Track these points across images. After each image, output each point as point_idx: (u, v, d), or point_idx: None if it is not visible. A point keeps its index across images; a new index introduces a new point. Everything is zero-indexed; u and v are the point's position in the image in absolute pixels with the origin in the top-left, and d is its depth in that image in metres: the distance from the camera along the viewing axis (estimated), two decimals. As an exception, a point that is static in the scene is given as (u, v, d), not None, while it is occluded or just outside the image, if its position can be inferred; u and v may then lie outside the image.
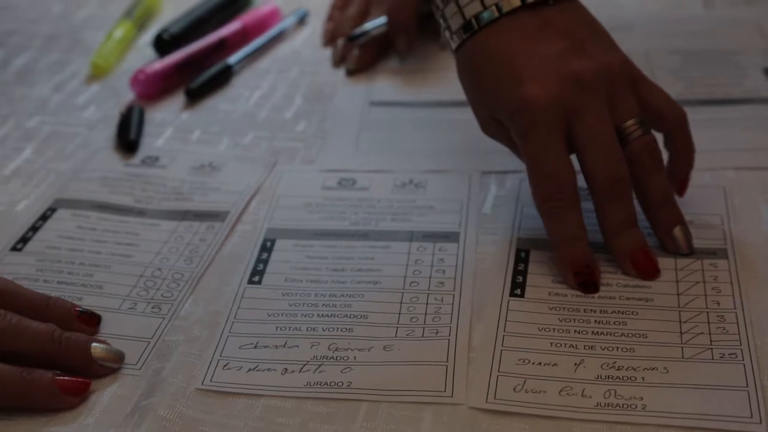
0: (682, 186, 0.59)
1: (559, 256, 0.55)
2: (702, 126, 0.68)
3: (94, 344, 0.50)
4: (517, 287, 0.54)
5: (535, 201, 0.55)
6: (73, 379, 0.48)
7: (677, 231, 0.56)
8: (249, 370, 0.50)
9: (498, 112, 0.56)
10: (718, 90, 0.72)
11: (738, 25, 0.80)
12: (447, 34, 0.58)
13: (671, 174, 0.58)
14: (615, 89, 0.55)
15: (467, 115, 0.71)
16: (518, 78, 0.54)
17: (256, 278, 0.56)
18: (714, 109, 0.70)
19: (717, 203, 0.60)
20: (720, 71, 0.74)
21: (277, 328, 0.52)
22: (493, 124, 0.58)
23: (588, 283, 0.53)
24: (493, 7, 0.56)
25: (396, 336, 0.52)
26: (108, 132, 0.70)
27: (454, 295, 0.54)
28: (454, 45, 0.58)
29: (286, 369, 0.50)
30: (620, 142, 0.55)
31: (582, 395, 0.47)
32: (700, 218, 0.59)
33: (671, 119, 0.57)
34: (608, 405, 0.46)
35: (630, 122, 0.55)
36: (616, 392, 0.47)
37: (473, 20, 0.56)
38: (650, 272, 0.54)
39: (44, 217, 0.61)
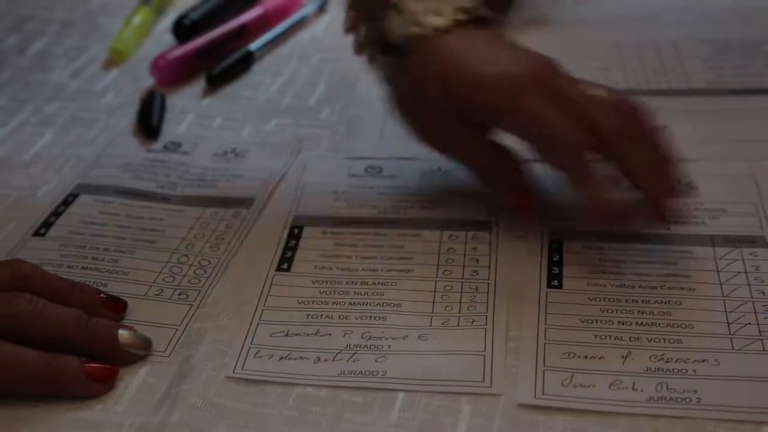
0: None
1: (589, 197, 0.52)
2: (734, 116, 0.67)
3: (121, 330, 0.48)
4: (554, 278, 0.53)
5: (561, 151, 0.52)
6: (101, 365, 0.47)
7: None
8: (281, 358, 0.48)
9: (472, 107, 0.54)
10: (750, 80, 0.71)
11: (768, 14, 0.79)
12: (376, 41, 0.58)
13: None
14: (561, 83, 0.54)
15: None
16: (491, 62, 0.54)
17: (285, 265, 0.55)
18: (746, 98, 0.69)
19: (750, 192, 0.59)
20: (751, 60, 0.73)
21: (308, 315, 0.51)
22: (451, 120, 0.55)
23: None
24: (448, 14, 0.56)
25: (431, 325, 0.50)
26: (128, 118, 0.69)
27: (488, 284, 0.53)
28: (388, 71, 0.58)
29: (318, 357, 0.48)
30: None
31: (633, 389, 0.45)
32: (735, 207, 0.58)
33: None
34: (661, 399, 0.45)
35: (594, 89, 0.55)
36: (667, 385, 0.45)
37: (430, 30, 0.56)
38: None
39: (66, 203, 0.59)
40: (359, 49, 0.70)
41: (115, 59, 0.76)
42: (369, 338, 0.49)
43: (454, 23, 0.56)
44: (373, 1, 0.58)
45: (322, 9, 0.82)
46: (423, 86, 0.56)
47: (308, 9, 0.81)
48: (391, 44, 0.57)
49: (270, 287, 0.53)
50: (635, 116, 0.55)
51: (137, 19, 0.79)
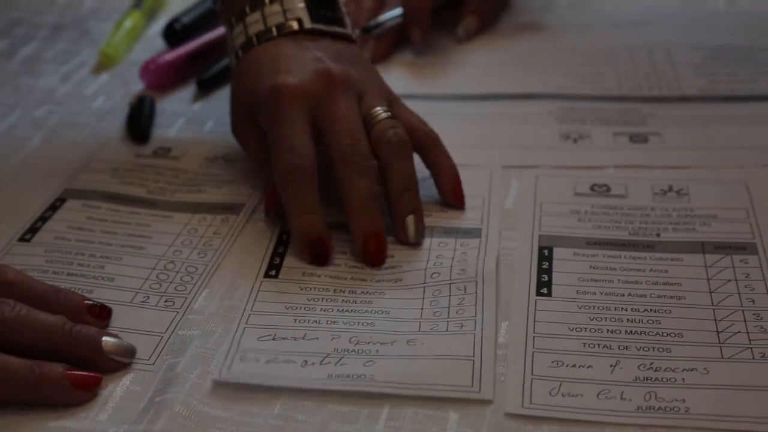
0: (455, 197, 0.59)
1: (294, 230, 0.55)
2: (725, 123, 0.67)
3: (105, 338, 0.48)
4: (543, 286, 0.52)
5: (275, 175, 0.56)
6: (85, 373, 0.46)
7: (409, 219, 0.56)
8: (267, 361, 0.48)
9: (254, 102, 0.58)
10: (742, 87, 0.71)
11: (761, 21, 0.79)
12: (230, 48, 0.63)
13: (440, 190, 0.59)
14: (366, 91, 0.59)
15: (484, 108, 0.70)
16: (276, 71, 0.58)
17: (273, 272, 0.54)
18: (737, 105, 0.69)
19: (741, 198, 0.59)
20: (743, 67, 0.73)
21: (295, 320, 0.51)
22: (247, 121, 0.59)
23: (320, 256, 0.54)
24: (273, 28, 0.61)
25: (419, 330, 0.50)
26: (118, 122, 0.68)
27: (476, 293, 0.52)
28: (234, 59, 0.62)
29: (306, 361, 0.48)
30: (367, 128, 0.57)
31: (621, 398, 0.45)
32: (726, 213, 0.57)
33: (423, 134, 0.59)
34: (650, 408, 0.45)
35: (377, 108, 0.58)
36: (656, 394, 0.45)
37: (254, 37, 0.61)
38: (378, 257, 0.54)
39: (53, 208, 0.59)
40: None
41: (105, 63, 0.75)
42: (357, 343, 0.49)
43: (281, 34, 0.60)
44: (233, 10, 0.63)
45: (314, 14, 0.82)
46: (233, 90, 0.61)
47: (300, 14, 0.81)
48: (235, 50, 0.62)
49: (258, 293, 0.53)
50: (437, 143, 0.60)
51: (128, 24, 0.78)
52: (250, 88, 0.59)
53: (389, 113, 0.58)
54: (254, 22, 0.61)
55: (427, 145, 0.60)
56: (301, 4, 0.61)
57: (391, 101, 0.60)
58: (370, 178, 0.56)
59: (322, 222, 0.55)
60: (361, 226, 0.55)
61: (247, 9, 0.61)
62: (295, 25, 0.60)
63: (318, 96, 0.57)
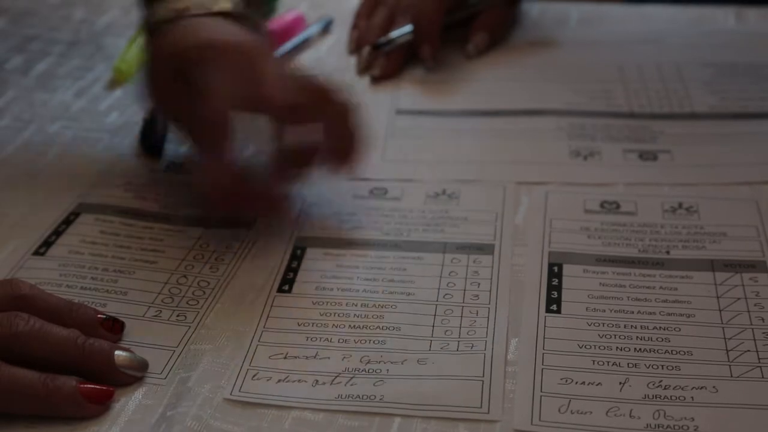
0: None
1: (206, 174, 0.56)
2: (736, 140, 0.67)
3: (117, 352, 0.48)
4: (553, 303, 0.53)
5: (194, 126, 0.58)
6: (97, 387, 0.47)
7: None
8: (279, 380, 0.48)
9: (187, 57, 0.58)
10: (752, 104, 0.71)
11: (771, 38, 0.79)
12: (147, 22, 0.64)
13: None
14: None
15: (494, 124, 0.71)
16: (212, 30, 0.59)
17: (286, 287, 0.55)
18: (748, 122, 0.69)
19: (751, 216, 0.59)
20: (753, 85, 0.73)
21: (307, 338, 0.51)
22: (172, 81, 0.59)
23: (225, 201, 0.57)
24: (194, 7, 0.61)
25: (430, 349, 0.50)
26: (131, 138, 0.69)
27: (489, 309, 0.52)
28: (149, 35, 0.63)
29: (317, 381, 0.48)
30: None
31: (630, 416, 0.45)
32: (736, 231, 0.57)
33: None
34: (659, 426, 0.45)
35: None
36: (665, 413, 0.45)
37: (177, 13, 0.61)
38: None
39: (67, 222, 0.60)
40: (361, 71, 0.72)
41: (119, 79, 0.76)
42: (368, 362, 0.49)
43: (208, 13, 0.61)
44: None
45: (326, 30, 0.83)
46: (153, 55, 0.61)
47: (312, 30, 0.82)
48: (151, 26, 0.63)
49: (271, 308, 0.53)
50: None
51: (141, 40, 0.79)
52: (181, 45, 0.59)
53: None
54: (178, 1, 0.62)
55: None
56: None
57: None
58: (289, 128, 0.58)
59: (235, 171, 0.57)
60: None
61: None
62: (216, 8, 0.61)
63: (247, 55, 0.58)
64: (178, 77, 0.59)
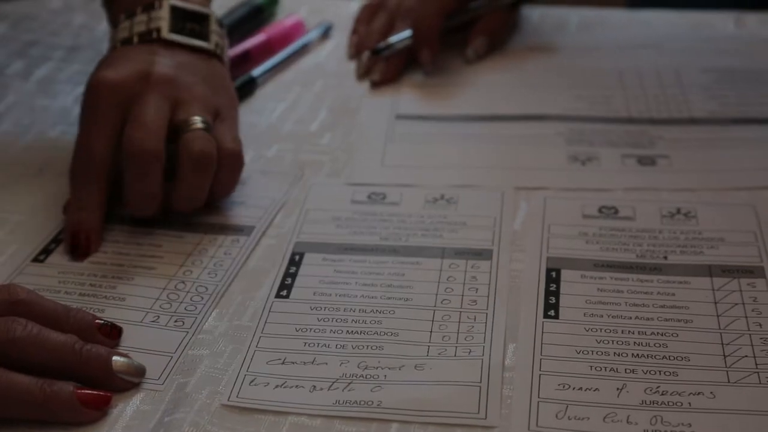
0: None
1: (67, 222, 0.58)
2: (734, 145, 0.67)
3: (115, 357, 0.48)
4: (551, 308, 0.53)
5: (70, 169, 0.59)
6: (95, 392, 0.47)
7: None
8: (276, 386, 0.48)
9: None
10: (751, 109, 0.71)
11: (771, 44, 0.79)
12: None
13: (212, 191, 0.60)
14: (189, 100, 0.60)
15: (492, 130, 0.71)
16: (103, 65, 0.61)
17: (284, 292, 0.55)
18: (747, 128, 0.69)
19: (749, 222, 0.59)
20: (752, 90, 0.73)
21: (305, 344, 0.51)
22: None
23: (79, 248, 0.57)
24: (135, 36, 0.63)
25: (428, 355, 0.50)
26: (130, 143, 0.69)
27: (487, 314, 0.52)
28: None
29: (314, 386, 0.48)
30: (178, 135, 0.58)
31: (627, 422, 0.45)
32: (733, 236, 0.58)
33: (226, 152, 0.59)
34: (655, 432, 0.45)
35: (195, 117, 0.59)
36: (662, 418, 0.45)
37: (118, 43, 0.64)
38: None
39: (66, 228, 0.60)
40: (361, 76, 0.71)
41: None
42: (365, 368, 0.49)
43: (140, 41, 0.63)
44: (113, 17, 0.67)
45: (325, 36, 0.83)
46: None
47: (312, 35, 0.82)
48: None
49: (269, 314, 0.53)
50: (232, 167, 0.60)
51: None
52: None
53: (205, 125, 0.59)
54: (123, 29, 0.64)
55: (224, 163, 0.59)
56: (166, 15, 0.63)
57: (220, 116, 0.61)
58: (150, 178, 0.57)
59: (96, 219, 0.58)
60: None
61: (122, 17, 0.65)
62: (153, 34, 0.63)
63: (132, 94, 0.59)
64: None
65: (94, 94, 0.59)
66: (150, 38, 0.63)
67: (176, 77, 0.60)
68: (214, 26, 0.65)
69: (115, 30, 0.65)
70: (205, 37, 0.64)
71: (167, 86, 0.59)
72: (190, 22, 0.64)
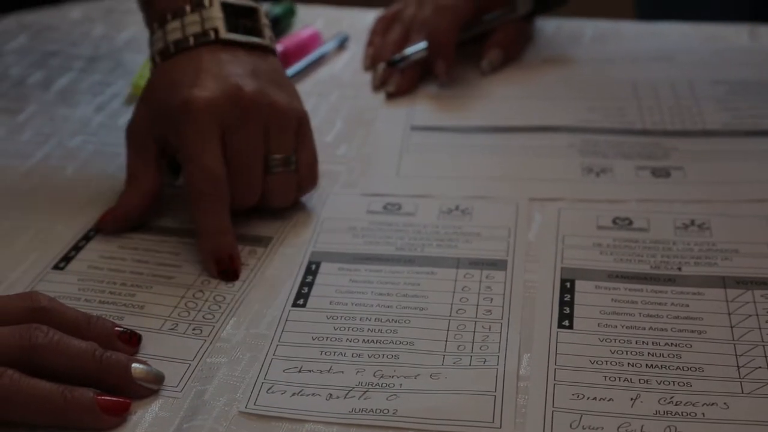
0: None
1: (202, 247, 0.58)
2: (748, 157, 0.68)
3: (134, 364, 0.49)
4: (565, 318, 0.53)
5: (189, 192, 0.58)
6: (114, 399, 0.48)
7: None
8: (293, 394, 0.49)
9: (162, 116, 0.60)
10: (765, 121, 0.71)
11: (785, 57, 0.79)
12: (151, 54, 0.64)
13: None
14: (276, 122, 0.60)
15: (507, 141, 0.71)
16: (190, 84, 0.59)
17: (301, 301, 0.55)
18: (760, 140, 0.69)
19: (763, 233, 0.59)
20: (766, 102, 0.73)
21: (321, 352, 0.51)
22: (145, 129, 0.61)
23: (228, 272, 0.57)
24: (191, 37, 0.61)
25: (443, 364, 0.51)
26: (149, 152, 0.70)
27: (501, 324, 0.53)
28: (152, 64, 0.63)
29: (330, 394, 0.49)
30: (265, 169, 0.60)
31: None
32: (747, 248, 0.58)
33: (305, 177, 0.62)
34: (669, 442, 0.45)
35: (278, 156, 0.60)
36: (676, 429, 0.46)
37: (171, 45, 0.62)
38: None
39: (87, 237, 0.61)
40: (376, 87, 0.72)
41: (137, 95, 0.76)
42: (381, 376, 0.50)
43: (197, 43, 0.61)
44: (155, 16, 0.64)
45: (341, 47, 0.84)
46: (145, 94, 0.62)
47: (328, 47, 0.83)
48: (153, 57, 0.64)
49: (285, 323, 0.54)
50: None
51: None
52: (160, 99, 0.60)
53: (287, 166, 0.60)
54: (173, 30, 0.62)
55: (301, 187, 0.62)
56: (219, 14, 0.62)
57: (300, 126, 0.61)
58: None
59: (232, 240, 0.58)
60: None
61: (169, 16, 0.62)
62: (211, 35, 0.61)
63: (228, 114, 0.58)
64: (148, 132, 0.61)
65: (194, 115, 0.58)
66: (207, 39, 0.61)
67: (261, 90, 0.59)
68: (264, 19, 0.64)
69: (161, 29, 0.62)
70: (258, 32, 0.63)
71: (256, 107, 0.59)
72: (242, 17, 0.63)
